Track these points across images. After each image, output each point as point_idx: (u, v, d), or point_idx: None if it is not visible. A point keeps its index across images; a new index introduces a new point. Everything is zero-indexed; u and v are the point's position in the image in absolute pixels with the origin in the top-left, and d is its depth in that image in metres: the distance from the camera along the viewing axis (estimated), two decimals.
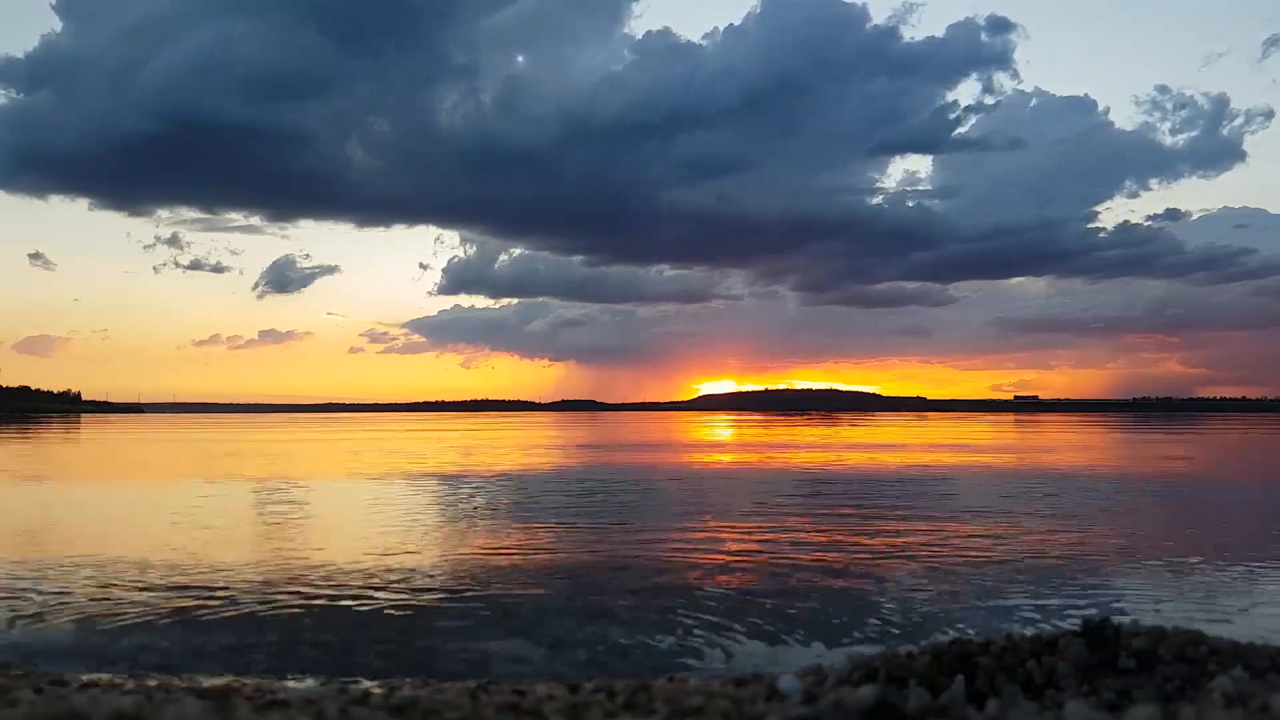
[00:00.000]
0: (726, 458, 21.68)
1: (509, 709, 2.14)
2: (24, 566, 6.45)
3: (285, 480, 14.51)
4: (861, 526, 8.64)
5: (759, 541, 7.69)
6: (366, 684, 3.31)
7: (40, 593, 5.54)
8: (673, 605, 5.22)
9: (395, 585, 5.79)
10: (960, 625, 4.75)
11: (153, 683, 3.23)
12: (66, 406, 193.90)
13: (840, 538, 7.92)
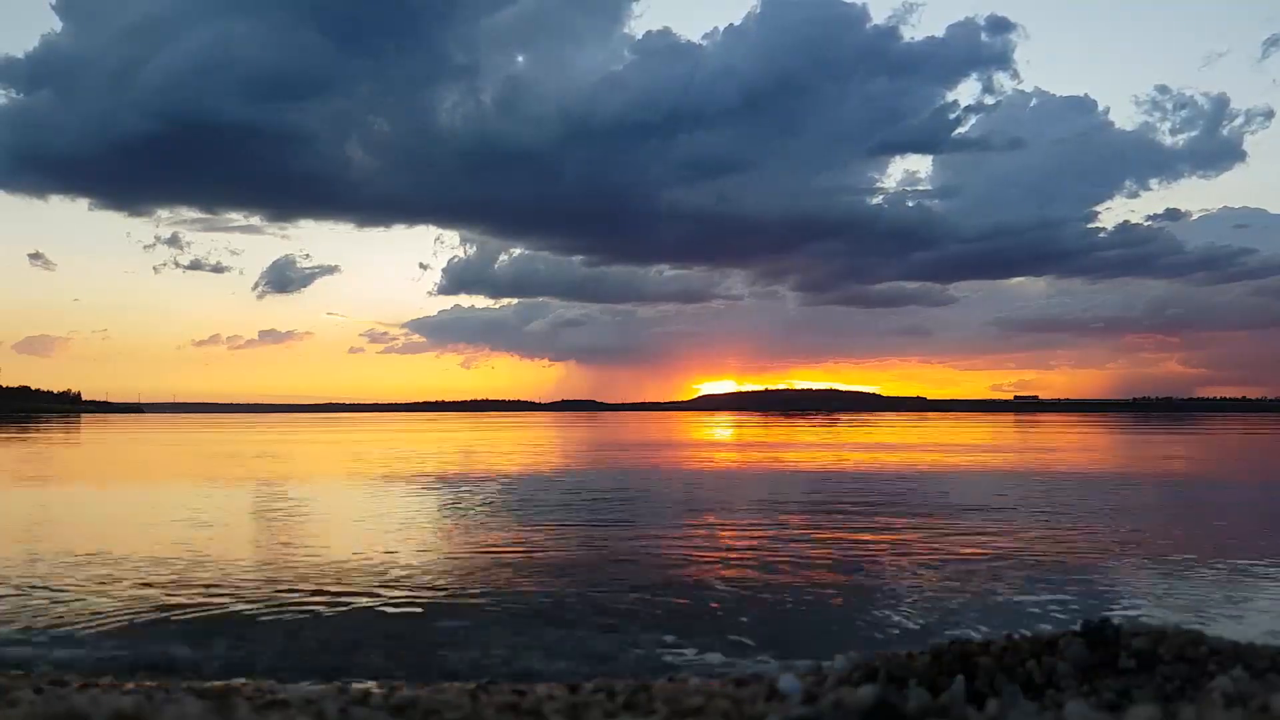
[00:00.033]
0: (726, 457, 21.69)
1: (509, 709, 2.14)
2: (25, 567, 6.45)
3: (286, 481, 14.51)
4: (861, 526, 8.64)
5: (759, 541, 7.68)
6: (366, 684, 3.31)
7: (41, 593, 5.54)
8: (673, 604, 5.21)
9: (395, 585, 5.79)
10: (960, 625, 4.75)
11: (153, 683, 3.23)
12: (66, 407, 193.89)
13: (840, 538, 7.92)
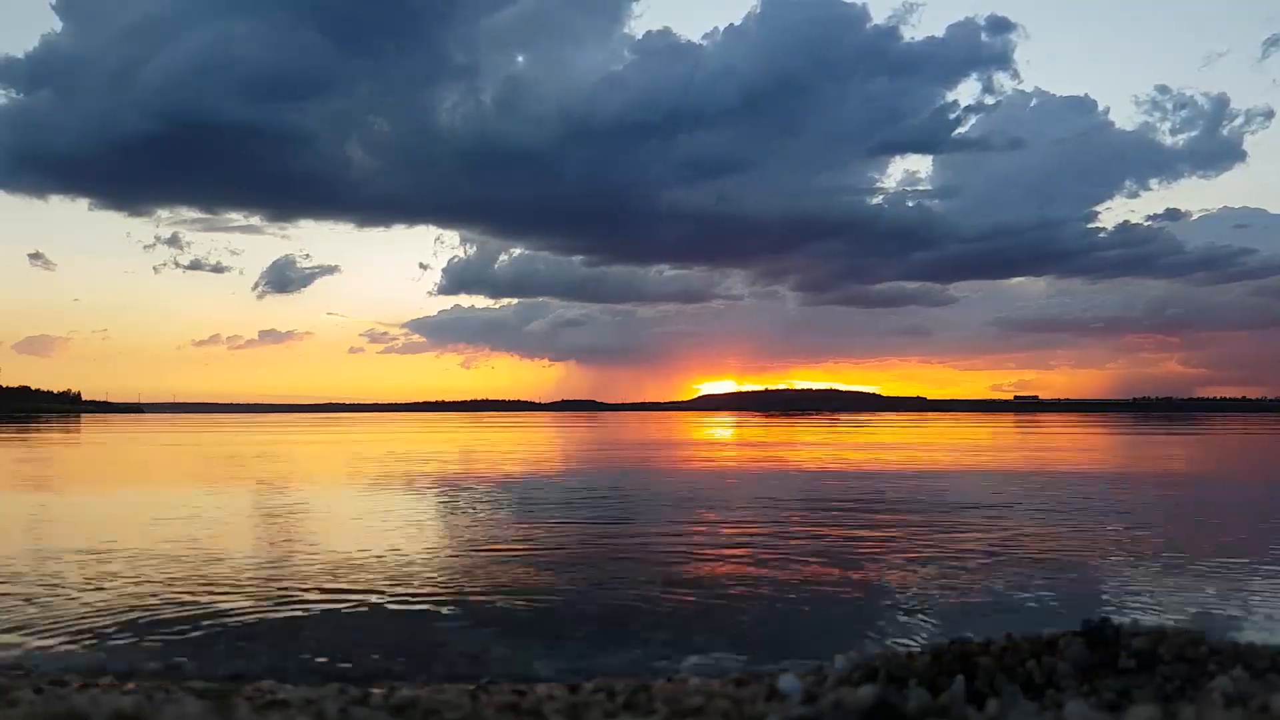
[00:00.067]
0: (726, 456, 21.68)
1: (509, 709, 2.14)
2: (25, 568, 6.45)
3: (286, 481, 14.51)
4: (860, 526, 8.64)
5: (758, 541, 7.68)
6: (366, 684, 3.31)
7: (40, 594, 5.54)
8: (673, 604, 5.21)
9: (394, 584, 5.79)
10: (960, 625, 4.75)
11: (153, 683, 3.23)
12: (66, 407, 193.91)
13: (839, 537, 7.92)
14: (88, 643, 4.35)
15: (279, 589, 5.65)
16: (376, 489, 12.92)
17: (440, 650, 4.24)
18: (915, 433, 39.20)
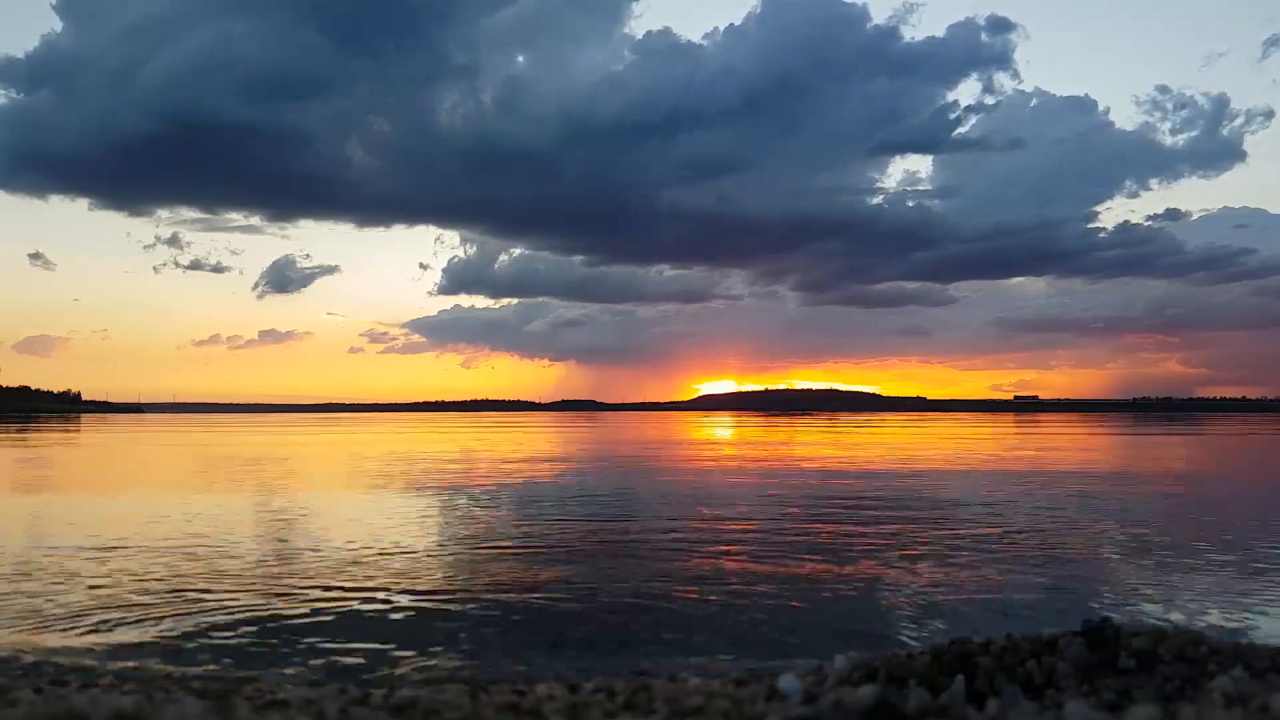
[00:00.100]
0: (725, 456, 21.69)
1: (509, 709, 2.14)
2: (25, 568, 6.45)
3: (287, 481, 14.52)
4: (860, 526, 8.64)
5: (758, 540, 7.68)
6: (366, 684, 3.31)
7: (41, 595, 5.54)
8: (673, 604, 5.21)
9: (393, 584, 5.79)
10: (960, 625, 4.75)
11: (153, 683, 3.23)
12: (66, 406, 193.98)
13: (839, 537, 7.92)
14: (88, 644, 4.35)
15: (280, 587, 5.65)
16: (377, 488, 12.92)
17: (440, 649, 4.24)
18: (915, 432, 39.20)
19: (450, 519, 9.40)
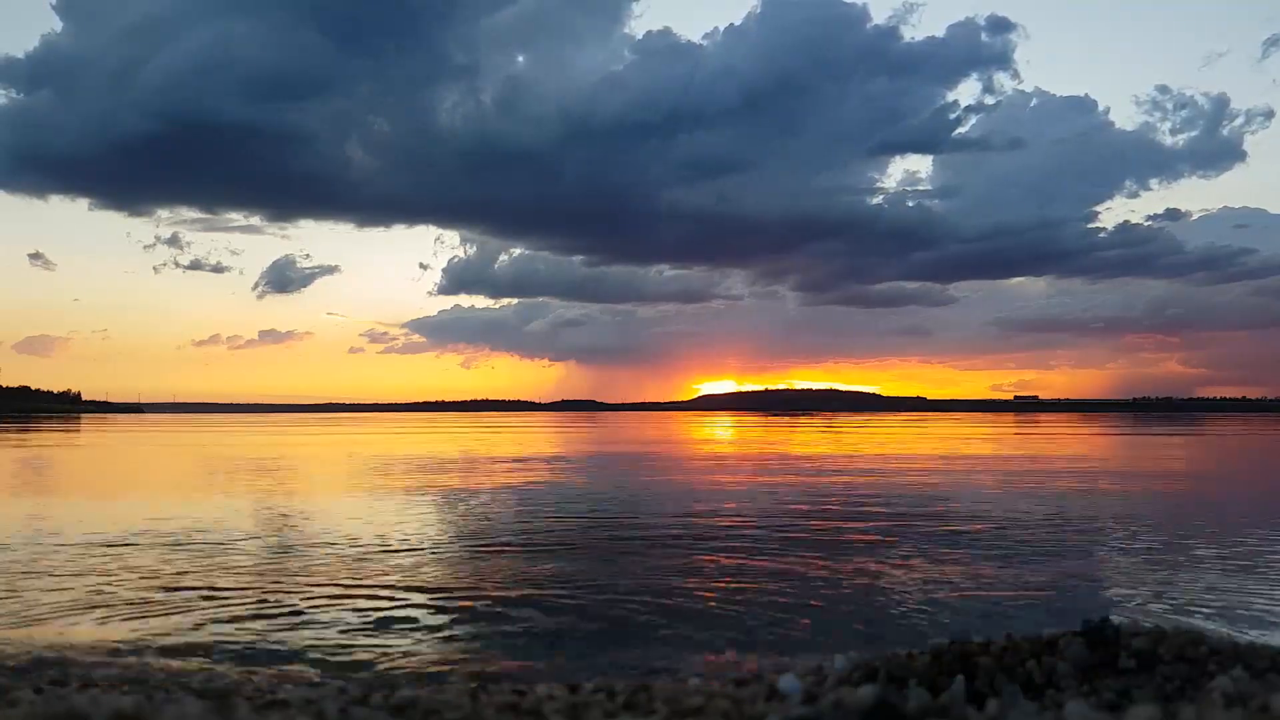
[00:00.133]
0: (725, 456, 21.69)
1: (509, 709, 2.14)
2: (25, 567, 6.45)
3: (290, 480, 14.51)
4: (860, 526, 8.64)
5: (758, 540, 7.68)
6: (366, 684, 3.31)
7: (41, 595, 5.54)
8: (672, 603, 5.21)
9: (395, 583, 5.79)
10: (960, 625, 4.75)
11: (153, 683, 3.24)
12: (66, 407, 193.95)
13: (839, 537, 7.92)
14: (88, 641, 4.35)
15: (280, 586, 5.65)
16: (377, 488, 12.92)
17: (441, 648, 4.24)
18: (915, 432, 39.20)
19: (450, 518, 9.40)
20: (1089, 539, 7.92)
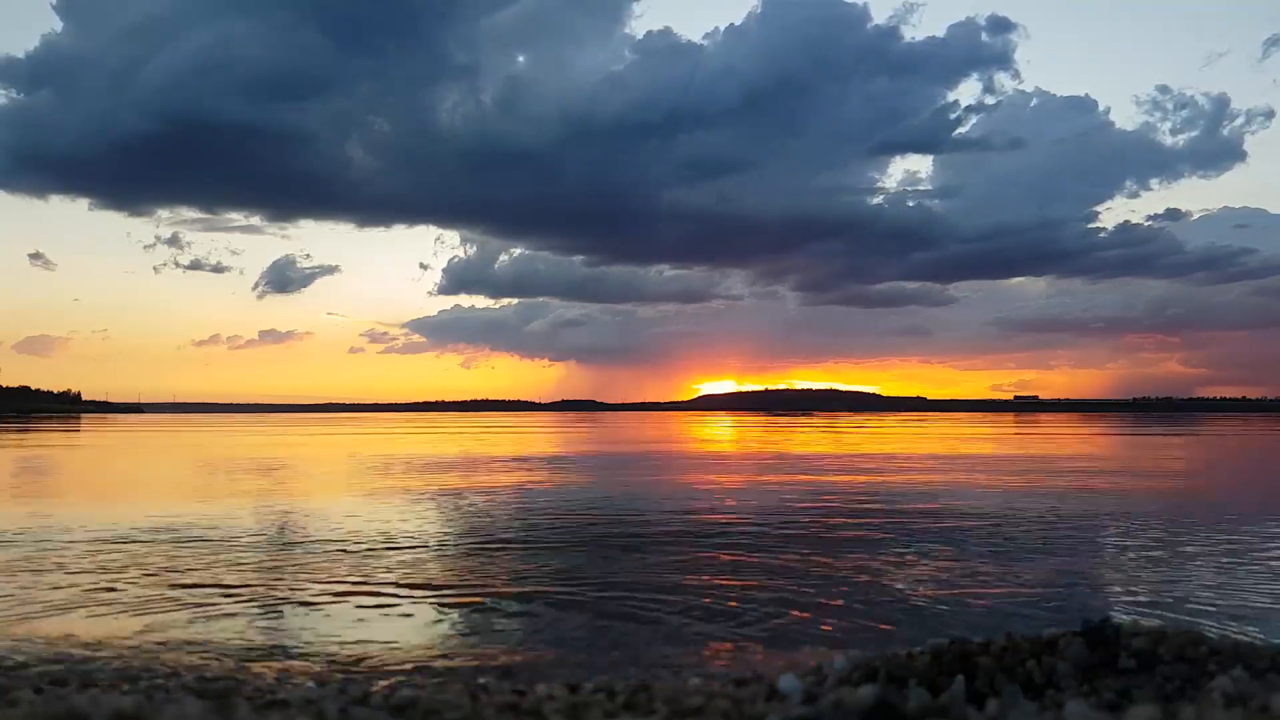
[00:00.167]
0: (726, 457, 21.69)
1: (509, 709, 2.14)
2: (25, 567, 6.45)
3: (291, 480, 14.51)
4: (859, 526, 8.64)
5: (757, 540, 7.68)
6: (366, 684, 3.32)
7: (42, 593, 5.54)
8: (673, 603, 5.21)
9: (396, 582, 5.79)
10: (960, 625, 4.75)
11: (153, 683, 3.24)
12: (66, 406, 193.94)
13: (838, 537, 7.92)
14: (88, 641, 4.35)
15: (280, 586, 5.65)
16: (377, 487, 12.91)
17: (442, 648, 4.25)
18: (915, 432, 39.19)
19: (451, 516, 9.40)
20: (1089, 538, 7.92)
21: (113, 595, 5.47)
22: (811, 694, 2.03)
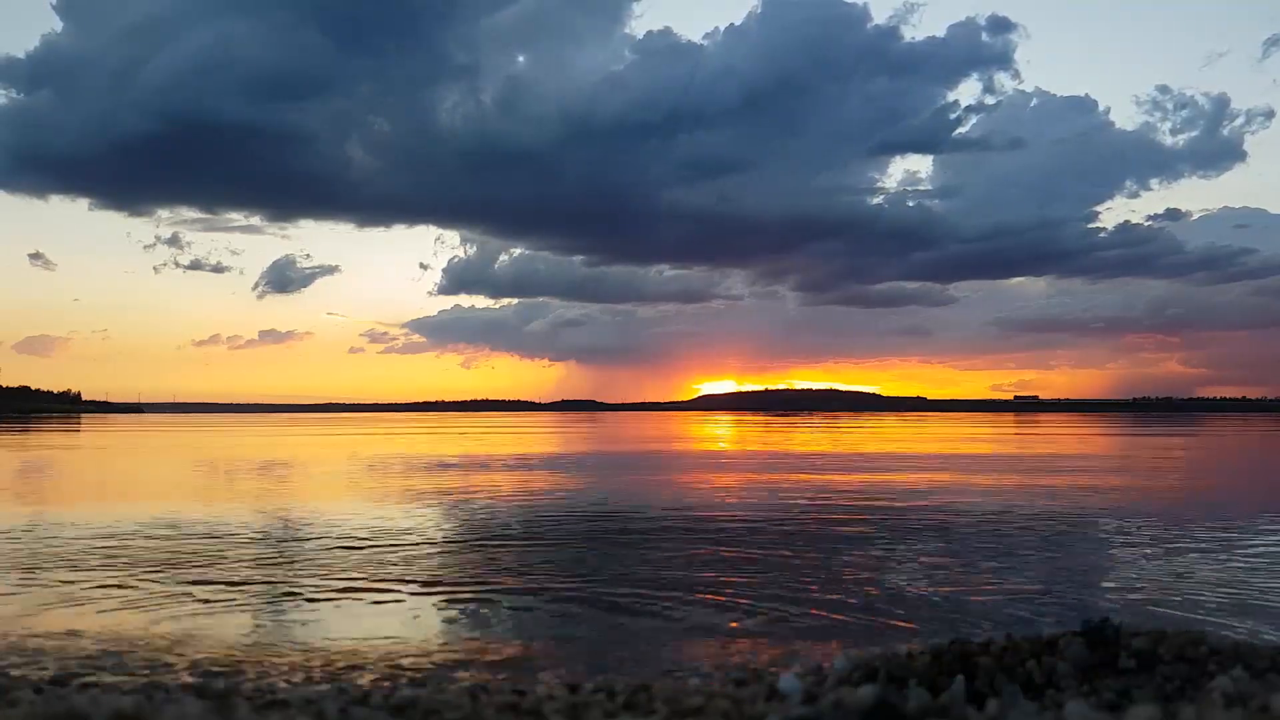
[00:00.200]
0: (726, 456, 21.69)
1: (509, 709, 2.14)
2: (25, 567, 6.45)
3: (292, 480, 14.52)
4: (859, 526, 8.64)
5: (757, 540, 7.68)
6: (366, 684, 3.32)
7: (42, 593, 5.54)
8: (673, 603, 5.21)
9: (396, 581, 5.79)
10: (960, 625, 4.75)
11: (153, 683, 3.24)
12: (66, 406, 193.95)
13: (838, 537, 7.92)
14: (87, 641, 4.35)
15: (280, 585, 5.65)
16: (378, 487, 12.92)
17: (442, 647, 4.24)
18: (915, 432, 39.20)
19: (450, 515, 9.40)
20: (1088, 538, 7.92)
21: (111, 595, 5.47)
22: (811, 694, 2.03)
